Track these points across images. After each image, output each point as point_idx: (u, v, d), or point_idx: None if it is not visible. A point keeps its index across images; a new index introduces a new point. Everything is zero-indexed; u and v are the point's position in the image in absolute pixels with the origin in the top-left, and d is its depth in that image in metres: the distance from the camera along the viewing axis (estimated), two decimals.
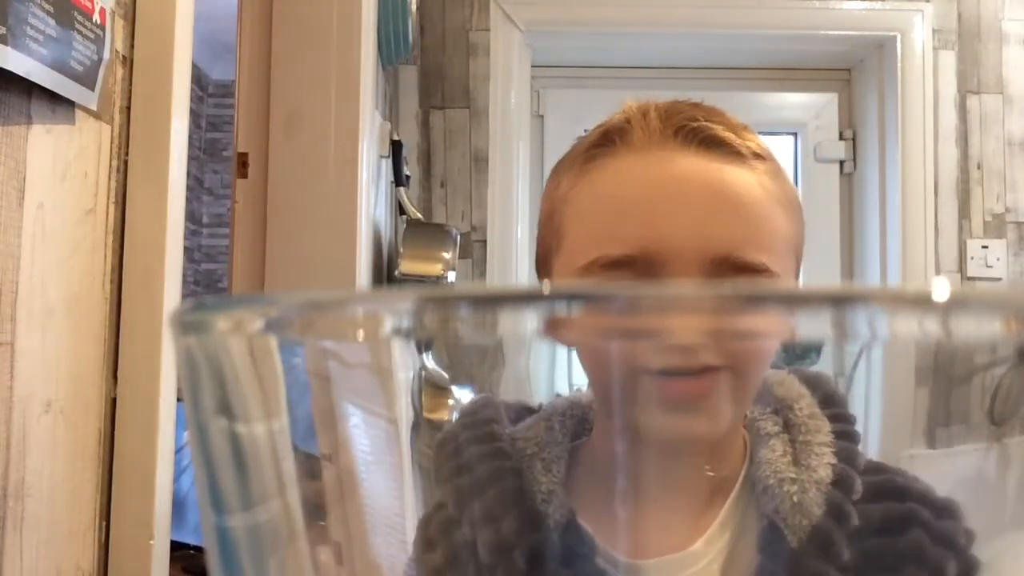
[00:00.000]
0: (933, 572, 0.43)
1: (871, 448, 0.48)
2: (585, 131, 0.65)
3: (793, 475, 0.48)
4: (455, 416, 0.45)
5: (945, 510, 0.42)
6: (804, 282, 0.63)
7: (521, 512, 0.45)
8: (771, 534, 0.47)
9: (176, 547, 1.11)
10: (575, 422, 0.50)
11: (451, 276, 1.70)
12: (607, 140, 0.61)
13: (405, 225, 1.77)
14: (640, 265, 0.55)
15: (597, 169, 0.60)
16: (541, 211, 0.65)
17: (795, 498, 0.47)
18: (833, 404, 0.50)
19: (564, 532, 0.46)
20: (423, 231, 1.79)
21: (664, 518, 0.45)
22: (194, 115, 3.92)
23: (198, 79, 3.92)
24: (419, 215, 1.86)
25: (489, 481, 0.46)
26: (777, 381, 0.52)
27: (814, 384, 0.51)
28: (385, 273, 1.82)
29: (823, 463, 0.48)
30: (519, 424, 0.49)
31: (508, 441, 0.47)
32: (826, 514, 0.46)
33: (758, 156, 0.59)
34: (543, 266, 0.64)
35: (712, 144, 0.58)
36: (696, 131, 0.58)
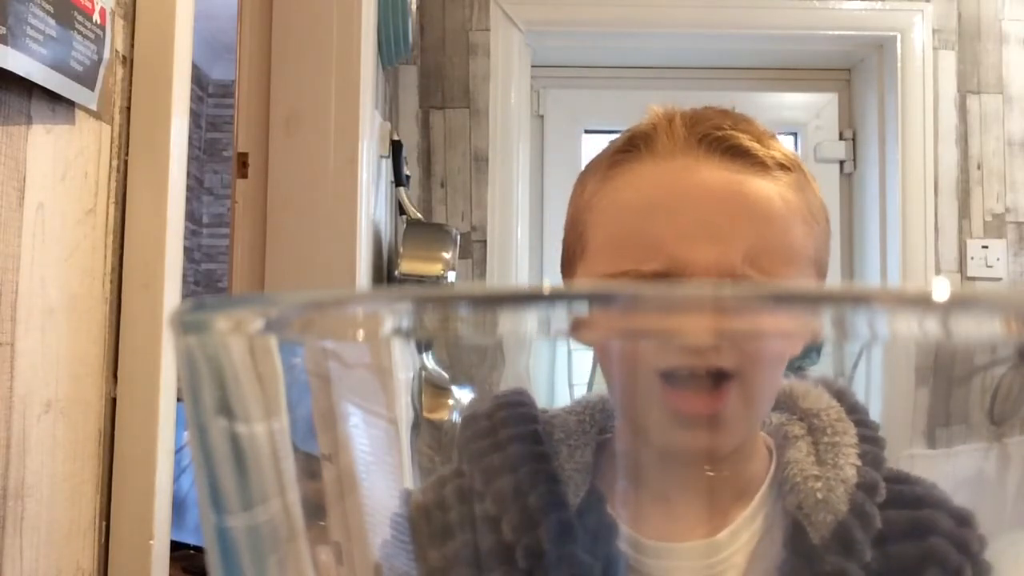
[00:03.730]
0: None
1: None
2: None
3: (818, 473, 0.49)
4: (486, 402, 0.46)
5: (962, 518, 0.43)
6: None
7: (548, 491, 0.47)
8: (795, 531, 0.48)
9: (176, 547, 1.11)
10: (604, 416, 0.51)
11: (451, 276, 1.70)
12: (632, 146, 0.61)
13: (405, 225, 1.77)
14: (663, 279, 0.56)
15: (620, 175, 0.60)
16: (567, 215, 0.65)
17: (820, 495, 0.48)
18: (858, 412, 0.51)
19: (588, 514, 0.47)
20: (423, 231, 1.79)
21: (684, 512, 0.46)
22: (194, 115, 3.92)
23: (198, 79, 3.92)
24: (419, 215, 1.86)
25: (521, 460, 0.48)
26: (802, 393, 0.52)
27: (840, 395, 0.52)
28: (385, 273, 1.82)
29: (848, 463, 0.49)
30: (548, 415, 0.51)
31: (541, 425, 0.49)
32: (850, 512, 0.47)
33: (783, 167, 0.59)
34: (567, 270, 0.65)
35: (736, 154, 0.58)
36: (721, 140, 0.58)
